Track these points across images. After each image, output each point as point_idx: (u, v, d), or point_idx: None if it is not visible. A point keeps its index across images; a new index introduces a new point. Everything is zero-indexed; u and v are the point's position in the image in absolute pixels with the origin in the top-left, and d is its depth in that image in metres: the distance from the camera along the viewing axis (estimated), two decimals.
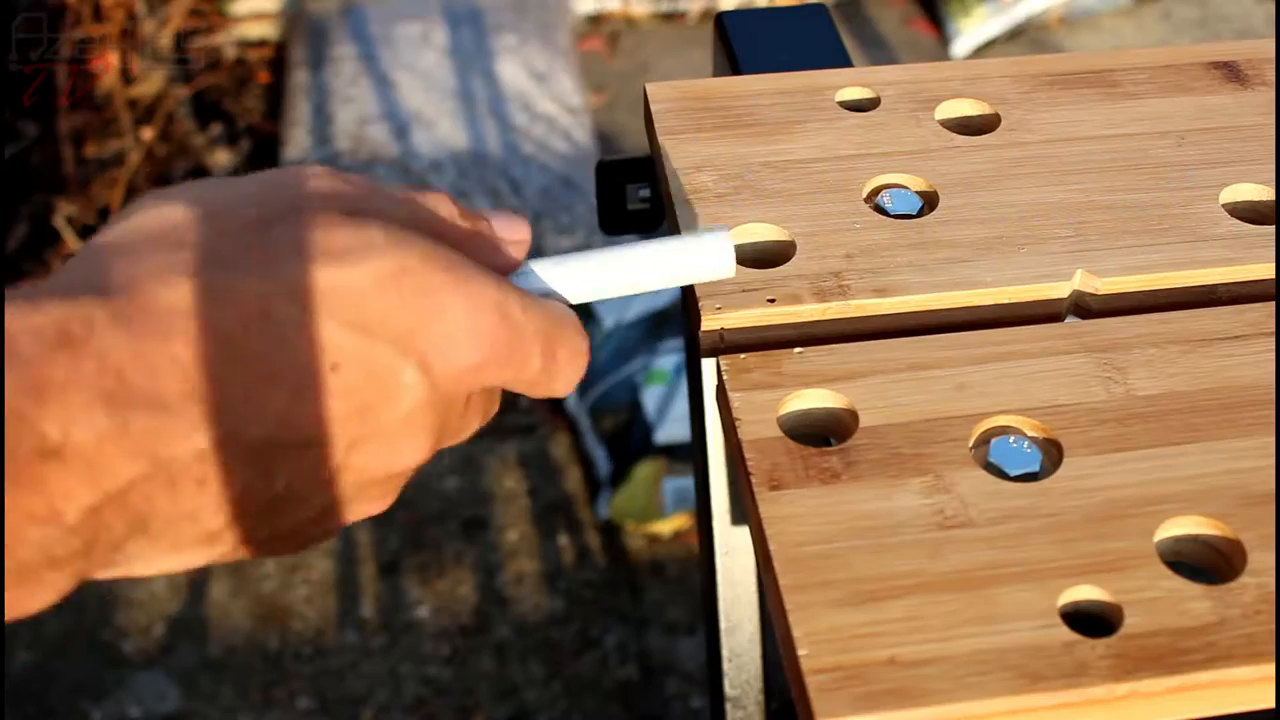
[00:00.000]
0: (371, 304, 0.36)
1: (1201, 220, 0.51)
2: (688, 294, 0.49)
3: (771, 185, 0.52)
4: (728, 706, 0.74)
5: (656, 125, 0.55)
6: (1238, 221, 0.51)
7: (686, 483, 1.70)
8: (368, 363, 0.36)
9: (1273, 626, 0.37)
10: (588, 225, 2.03)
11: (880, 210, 0.52)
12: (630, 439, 1.76)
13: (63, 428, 0.31)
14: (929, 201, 0.52)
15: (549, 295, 0.42)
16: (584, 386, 1.80)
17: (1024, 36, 2.60)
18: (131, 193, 2.14)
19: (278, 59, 2.44)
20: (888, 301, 0.48)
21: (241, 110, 2.35)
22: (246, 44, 2.49)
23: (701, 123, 0.56)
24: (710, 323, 0.47)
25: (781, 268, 0.49)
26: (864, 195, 0.52)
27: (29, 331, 0.31)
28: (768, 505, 0.40)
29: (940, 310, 0.48)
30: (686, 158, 0.54)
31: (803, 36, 0.68)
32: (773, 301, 0.47)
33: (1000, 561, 0.39)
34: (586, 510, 1.76)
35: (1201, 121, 0.56)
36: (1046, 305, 0.49)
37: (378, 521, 1.74)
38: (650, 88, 0.57)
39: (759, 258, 0.50)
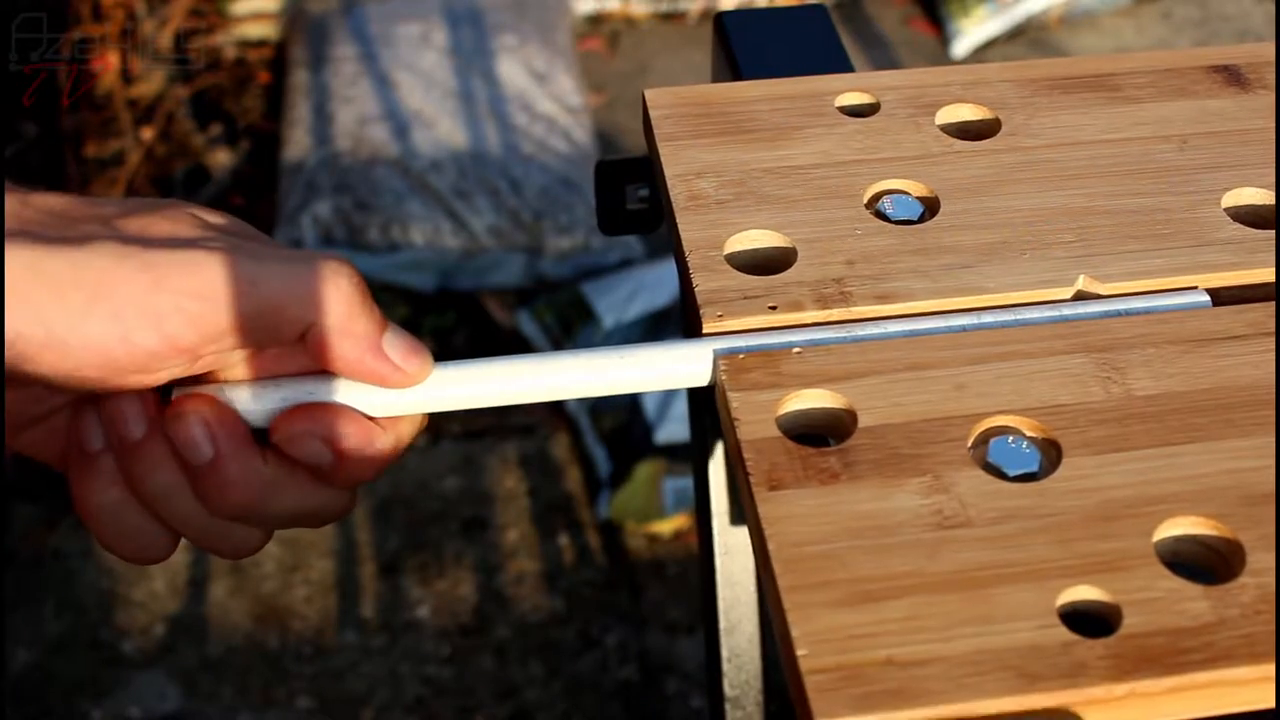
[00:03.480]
0: None
1: (1204, 225, 0.51)
2: (688, 300, 0.49)
3: (772, 191, 0.52)
4: (727, 707, 0.74)
5: (656, 132, 0.55)
6: (1240, 226, 0.51)
7: (686, 483, 1.70)
8: None
9: (1272, 627, 0.37)
10: (587, 225, 2.03)
11: (881, 216, 0.52)
12: (630, 439, 1.76)
13: None
14: (930, 207, 0.52)
15: None
16: None
17: (1024, 36, 2.60)
18: (131, 193, 2.14)
19: (278, 59, 2.44)
20: (889, 308, 0.48)
21: (241, 110, 2.36)
22: (246, 44, 2.49)
23: (701, 129, 0.55)
24: (711, 329, 0.47)
25: (783, 274, 0.49)
26: (865, 201, 0.52)
27: None
28: (767, 505, 0.40)
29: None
30: (686, 164, 0.54)
31: (803, 37, 0.68)
32: (774, 308, 0.48)
33: (999, 561, 0.39)
34: (586, 510, 1.76)
35: (1203, 125, 0.56)
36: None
37: (378, 521, 1.75)
38: (649, 94, 0.57)
39: (760, 264, 0.50)
